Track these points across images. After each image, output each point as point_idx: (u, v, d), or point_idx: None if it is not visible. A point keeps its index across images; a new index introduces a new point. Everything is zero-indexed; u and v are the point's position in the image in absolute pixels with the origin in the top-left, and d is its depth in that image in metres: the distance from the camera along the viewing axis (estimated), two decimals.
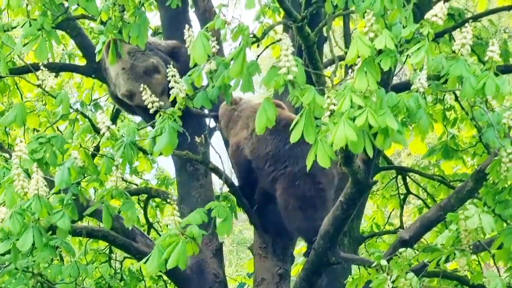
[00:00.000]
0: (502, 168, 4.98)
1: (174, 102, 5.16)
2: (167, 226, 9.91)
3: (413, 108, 4.27)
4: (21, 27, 5.65)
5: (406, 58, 4.35)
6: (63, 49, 8.96)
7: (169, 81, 5.01)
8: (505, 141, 4.86)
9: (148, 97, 5.05)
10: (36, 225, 5.25)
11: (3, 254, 5.64)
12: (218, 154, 5.98)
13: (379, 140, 4.27)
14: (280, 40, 4.45)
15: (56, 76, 8.30)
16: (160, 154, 5.50)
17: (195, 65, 4.97)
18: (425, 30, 4.19)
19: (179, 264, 4.96)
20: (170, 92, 5.00)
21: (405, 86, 5.41)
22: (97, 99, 9.31)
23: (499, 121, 4.89)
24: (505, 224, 5.45)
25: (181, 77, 5.06)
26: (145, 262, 5.10)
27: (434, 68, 4.20)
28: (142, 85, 5.16)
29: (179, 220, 5.07)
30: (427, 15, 4.20)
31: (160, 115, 5.05)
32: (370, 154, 4.26)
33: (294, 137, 4.35)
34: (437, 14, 4.18)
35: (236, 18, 4.87)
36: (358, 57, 4.24)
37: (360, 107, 4.15)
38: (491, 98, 4.61)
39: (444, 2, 4.26)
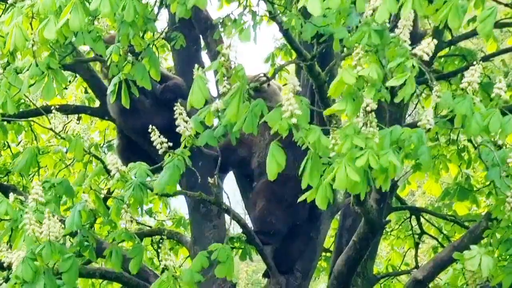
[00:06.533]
0: (506, 208, 4.95)
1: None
2: (180, 266, 9.91)
3: (415, 144, 4.22)
4: (28, 68, 5.61)
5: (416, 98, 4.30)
6: (86, 92, 9.01)
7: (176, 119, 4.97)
8: (509, 180, 4.81)
9: (156, 138, 5.03)
10: (48, 271, 5.20)
11: None
12: (227, 194, 6.00)
13: (380, 180, 4.23)
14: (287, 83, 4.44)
15: (78, 120, 8.35)
16: (172, 195, 5.50)
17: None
18: (409, 63, 4.14)
19: None
20: (177, 129, 4.99)
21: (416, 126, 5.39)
22: (110, 141, 9.34)
23: (504, 160, 4.82)
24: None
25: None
26: None
27: (440, 106, 4.17)
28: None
29: (173, 264, 5.20)
30: (415, 50, 4.18)
31: (169, 155, 5.02)
32: (362, 195, 4.21)
33: (304, 184, 4.31)
34: (424, 49, 4.15)
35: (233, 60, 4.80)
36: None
37: (361, 148, 4.11)
38: (497, 137, 4.56)
39: (432, 38, 4.21)
